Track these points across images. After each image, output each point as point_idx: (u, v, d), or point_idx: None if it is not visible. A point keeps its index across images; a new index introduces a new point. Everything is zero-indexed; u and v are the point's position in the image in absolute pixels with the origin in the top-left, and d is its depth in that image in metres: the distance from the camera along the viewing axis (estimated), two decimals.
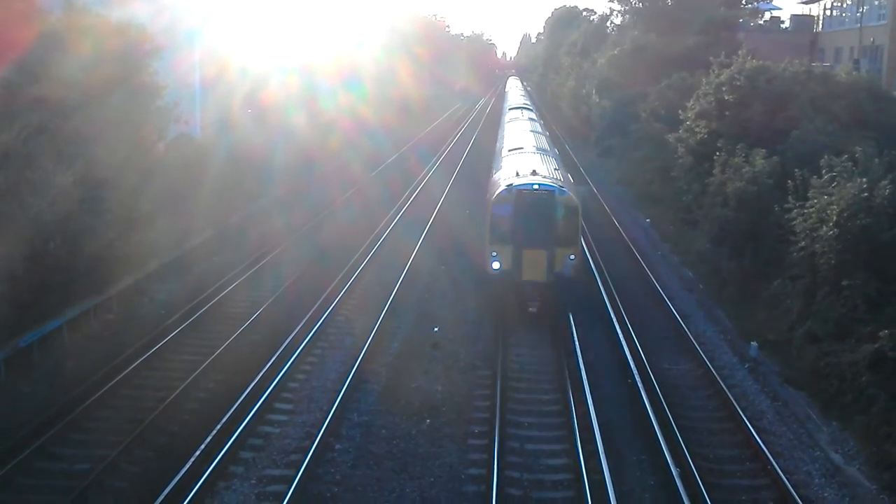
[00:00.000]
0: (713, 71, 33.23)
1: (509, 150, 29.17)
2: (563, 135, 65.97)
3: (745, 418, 16.56)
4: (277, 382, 17.40)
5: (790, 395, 18.40)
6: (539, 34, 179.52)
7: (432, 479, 14.46)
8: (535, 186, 21.98)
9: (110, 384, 16.98)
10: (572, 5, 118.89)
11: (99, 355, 18.62)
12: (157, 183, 23.28)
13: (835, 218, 19.80)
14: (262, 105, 37.19)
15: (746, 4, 62.42)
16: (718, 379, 18.56)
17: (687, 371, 19.60)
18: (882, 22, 47.06)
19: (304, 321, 21.17)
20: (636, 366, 18.92)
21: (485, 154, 42.20)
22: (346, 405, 16.90)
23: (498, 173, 25.73)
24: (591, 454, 14.85)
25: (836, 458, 15.65)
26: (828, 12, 56.52)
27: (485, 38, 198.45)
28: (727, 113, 30.56)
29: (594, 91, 59.87)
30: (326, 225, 33.10)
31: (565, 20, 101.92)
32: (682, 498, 13.63)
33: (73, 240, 19.43)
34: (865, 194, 19.51)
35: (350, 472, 14.59)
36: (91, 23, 21.92)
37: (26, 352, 18.08)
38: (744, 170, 25.94)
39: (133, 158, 22.38)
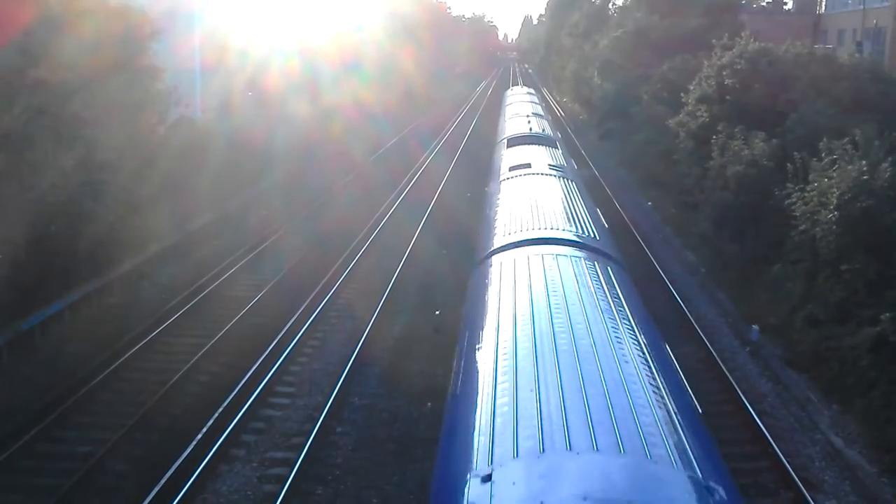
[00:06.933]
0: (715, 53, 33.02)
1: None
2: (564, 118, 65.69)
3: (745, 401, 16.58)
4: (279, 366, 17.44)
5: (791, 378, 18.41)
6: (541, 16, 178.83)
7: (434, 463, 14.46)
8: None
9: (112, 367, 17.03)
10: None
11: (100, 338, 18.63)
12: (158, 166, 23.26)
13: (835, 201, 19.69)
14: (263, 89, 37.07)
15: None
16: (719, 362, 18.57)
17: (688, 354, 19.55)
18: (885, 3, 46.89)
19: (305, 305, 21.19)
20: None
21: (486, 138, 42.10)
22: (348, 388, 16.95)
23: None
24: None
25: (837, 441, 15.67)
26: None
27: (486, 19, 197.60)
28: (728, 97, 30.41)
29: (596, 73, 59.62)
30: (327, 209, 33.04)
31: (567, 1, 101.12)
32: None
33: (74, 223, 19.41)
34: (866, 177, 19.38)
35: (351, 454, 14.64)
36: (91, 5, 21.82)
37: (28, 335, 18.11)
38: (743, 153, 25.83)
39: (133, 141, 22.36)
